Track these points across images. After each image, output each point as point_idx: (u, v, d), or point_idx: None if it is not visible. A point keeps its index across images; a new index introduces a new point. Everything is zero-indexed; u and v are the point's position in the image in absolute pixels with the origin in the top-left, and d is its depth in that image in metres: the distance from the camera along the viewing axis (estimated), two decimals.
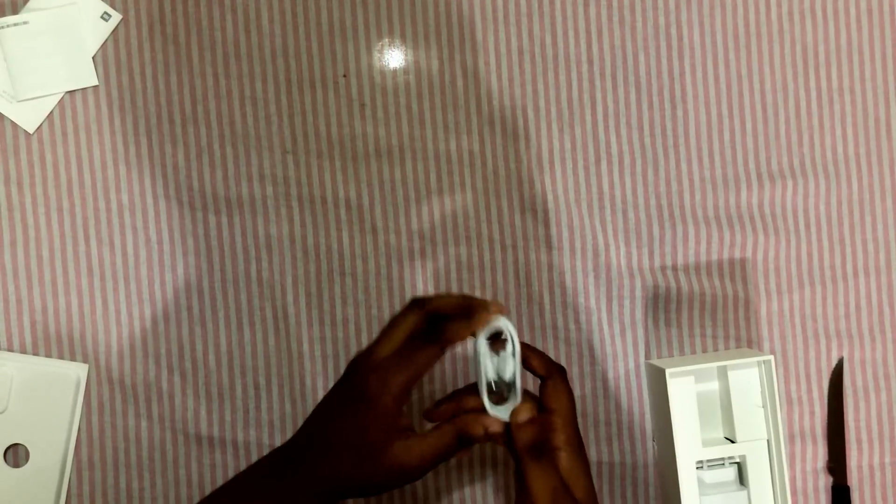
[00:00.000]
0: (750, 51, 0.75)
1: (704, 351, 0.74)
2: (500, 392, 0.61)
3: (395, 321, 0.61)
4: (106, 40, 0.72)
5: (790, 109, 0.75)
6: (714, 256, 0.74)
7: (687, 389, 0.70)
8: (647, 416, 0.74)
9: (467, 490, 0.73)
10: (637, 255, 0.74)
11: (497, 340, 0.61)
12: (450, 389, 0.73)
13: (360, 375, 0.59)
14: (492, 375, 0.60)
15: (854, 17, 0.75)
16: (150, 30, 0.72)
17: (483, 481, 0.73)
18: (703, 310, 0.74)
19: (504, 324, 0.60)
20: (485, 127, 0.74)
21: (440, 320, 0.61)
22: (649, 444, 0.74)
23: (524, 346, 0.61)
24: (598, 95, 0.74)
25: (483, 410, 0.59)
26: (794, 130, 0.75)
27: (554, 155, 0.74)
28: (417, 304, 0.61)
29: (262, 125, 0.73)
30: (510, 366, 0.60)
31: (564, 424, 0.60)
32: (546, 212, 0.74)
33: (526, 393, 0.60)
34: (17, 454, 0.71)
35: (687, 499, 0.67)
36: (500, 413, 0.59)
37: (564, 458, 0.60)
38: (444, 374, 0.74)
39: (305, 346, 0.72)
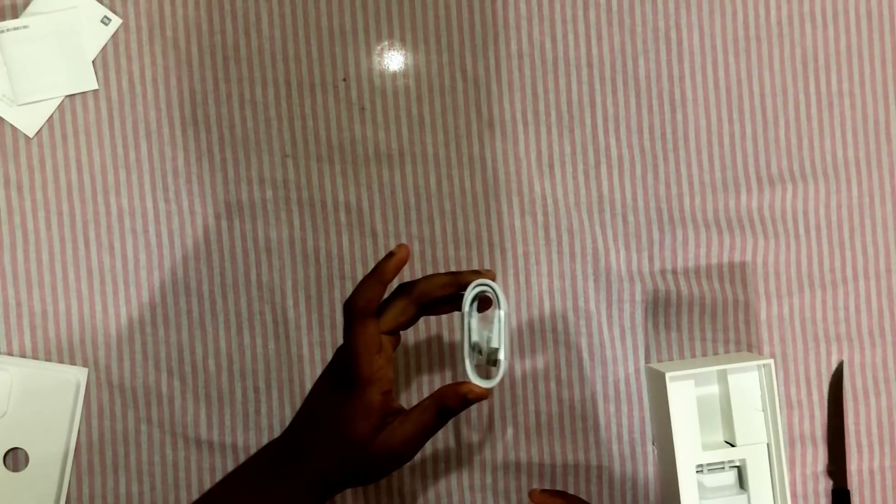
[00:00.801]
0: (749, 54, 0.75)
1: (704, 354, 0.74)
2: (488, 358, 0.60)
3: (382, 308, 0.61)
4: (106, 44, 0.72)
5: (790, 113, 0.75)
6: (714, 260, 0.74)
7: (687, 393, 0.70)
8: (647, 420, 0.74)
9: (467, 494, 0.73)
10: (637, 259, 0.74)
11: (488, 308, 0.60)
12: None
13: (346, 364, 0.60)
14: (475, 338, 0.59)
15: (853, 20, 0.75)
16: (149, 34, 0.72)
17: (483, 487, 0.73)
18: (703, 313, 0.74)
19: (489, 285, 0.59)
20: (484, 130, 0.74)
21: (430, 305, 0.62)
22: (649, 447, 0.74)
23: (550, 492, 0.62)
24: (598, 99, 0.74)
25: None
26: (794, 134, 0.75)
27: (554, 158, 0.74)
28: (405, 290, 0.61)
29: (262, 129, 0.73)
30: (497, 332, 0.59)
31: None
32: (546, 215, 0.74)
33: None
34: (16, 458, 0.71)
35: (687, 502, 0.67)
36: (483, 383, 0.59)
37: None
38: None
39: (305, 350, 0.72)
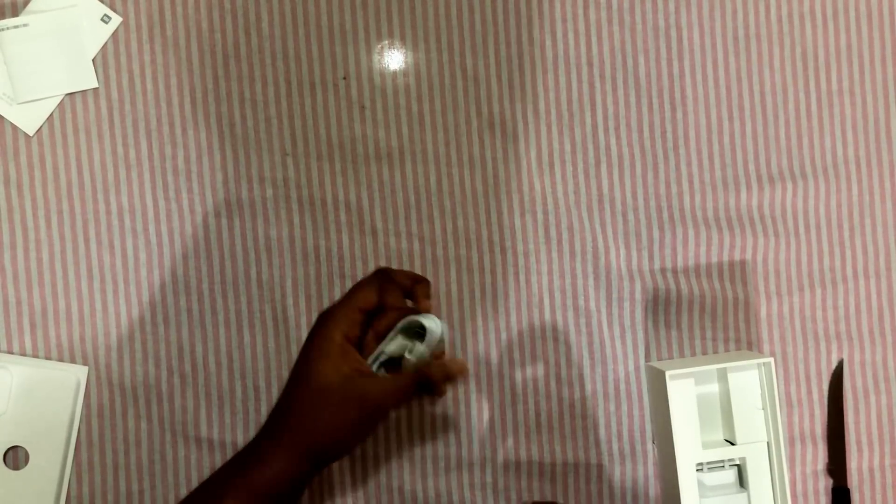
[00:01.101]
0: (749, 53, 0.75)
1: (704, 353, 0.74)
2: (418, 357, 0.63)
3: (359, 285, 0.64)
4: (106, 43, 0.72)
5: (790, 111, 0.75)
6: (714, 259, 0.74)
7: (687, 391, 0.70)
8: (647, 419, 0.74)
9: (468, 493, 0.73)
10: (637, 258, 0.74)
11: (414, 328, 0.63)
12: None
13: (315, 324, 0.62)
14: (394, 350, 0.62)
15: (853, 19, 0.75)
16: (149, 32, 0.72)
17: (483, 485, 0.73)
18: (702, 312, 0.74)
19: (427, 321, 0.61)
20: (485, 129, 0.74)
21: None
22: (649, 446, 0.74)
23: None
24: (598, 97, 0.74)
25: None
26: (794, 132, 0.75)
27: (554, 157, 0.74)
28: (377, 274, 0.64)
29: (262, 127, 0.73)
30: (420, 349, 0.62)
31: None
32: (546, 214, 0.74)
33: None
34: (16, 456, 0.71)
35: (687, 501, 0.67)
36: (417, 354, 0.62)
37: None
38: None
39: None
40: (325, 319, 0.61)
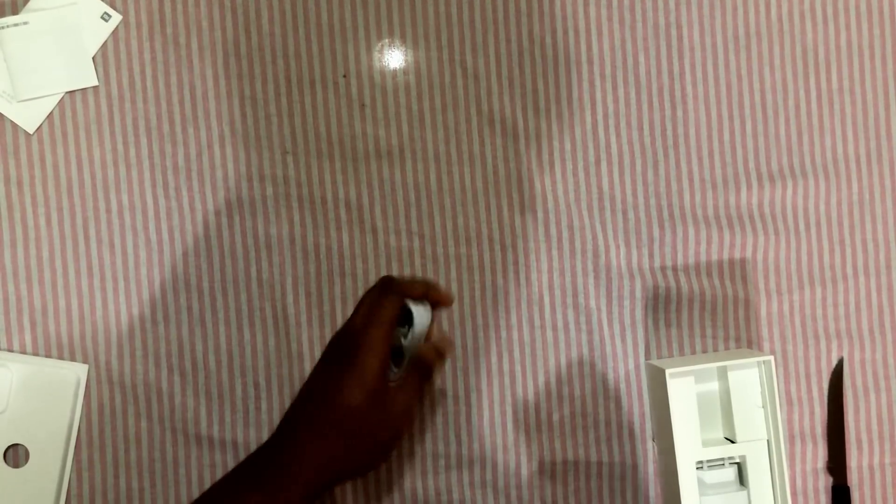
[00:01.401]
0: (750, 51, 0.75)
1: (704, 351, 0.74)
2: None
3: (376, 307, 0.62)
4: (106, 41, 0.72)
5: (790, 110, 0.75)
6: (714, 257, 0.74)
7: (687, 390, 0.70)
8: (648, 417, 0.74)
9: (467, 491, 0.73)
10: (637, 256, 0.74)
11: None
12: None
13: (339, 338, 0.61)
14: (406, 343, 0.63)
15: (854, 17, 0.75)
16: (149, 30, 0.72)
17: (483, 483, 0.73)
18: (703, 310, 0.74)
19: (413, 306, 0.62)
20: (485, 127, 0.74)
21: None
22: (649, 444, 0.74)
23: None
24: (598, 96, 0.74)
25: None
26: (794, 131, 0.75)
27: (554, 155, 0.74)
28: (392, 288, 0.62)
29: (262, 125, 0.73)
30: (415, 333, 0.63)
31: None
32: (546, 212, 0.74)
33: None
34: (17, 454, 0.71)
35: (687, 499, 0.67)
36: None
37: None
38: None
39: (305, 347, 0.72)
40: (359, 344, 0.59)
